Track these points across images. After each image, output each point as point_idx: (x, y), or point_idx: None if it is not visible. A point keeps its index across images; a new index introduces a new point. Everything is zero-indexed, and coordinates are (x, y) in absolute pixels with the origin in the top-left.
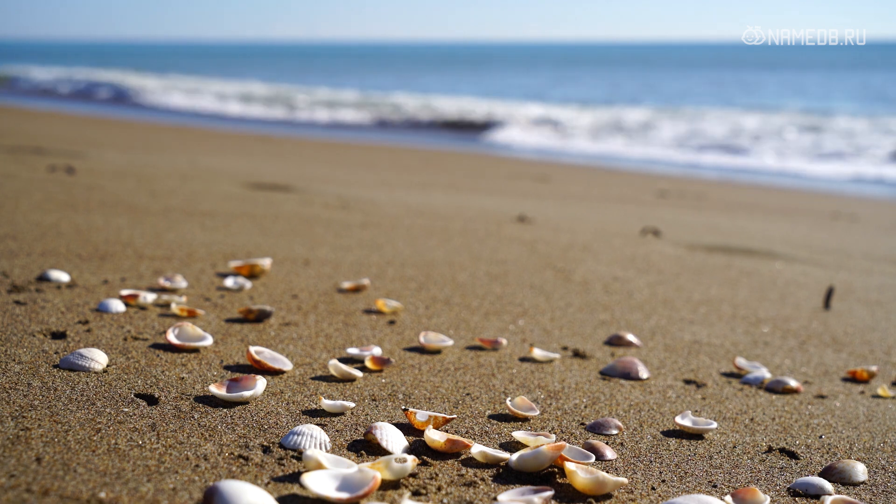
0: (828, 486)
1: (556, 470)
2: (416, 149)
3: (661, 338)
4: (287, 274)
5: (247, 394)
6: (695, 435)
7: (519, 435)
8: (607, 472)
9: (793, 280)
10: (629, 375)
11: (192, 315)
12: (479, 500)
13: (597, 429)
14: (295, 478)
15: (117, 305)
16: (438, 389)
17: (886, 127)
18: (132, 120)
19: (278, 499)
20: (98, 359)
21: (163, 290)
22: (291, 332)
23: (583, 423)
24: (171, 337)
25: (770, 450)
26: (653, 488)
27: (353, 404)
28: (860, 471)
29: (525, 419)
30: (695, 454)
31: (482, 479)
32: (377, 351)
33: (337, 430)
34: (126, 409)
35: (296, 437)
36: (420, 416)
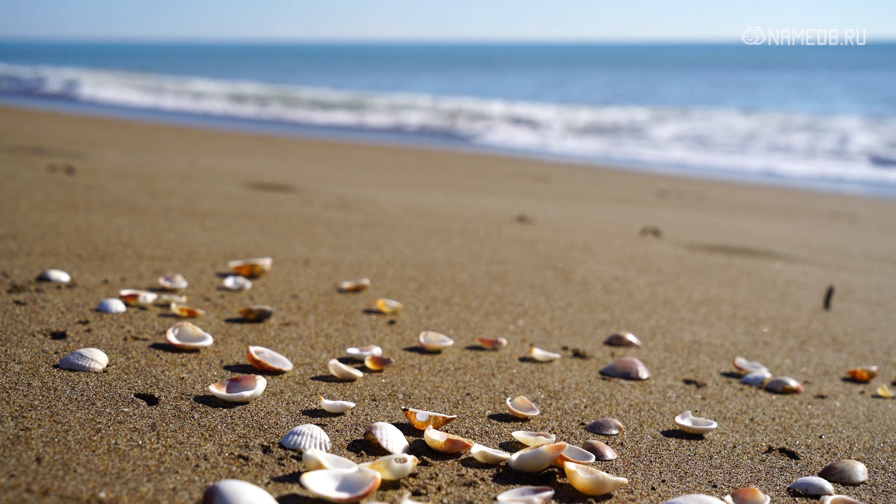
0: (828, 486)
1: (556, 470)
2: (417, 149)
3: (661, 338)
4: (287, 274)
5: (247, 394)
6: (695, 435)
7: (519, 435)
8: (607, 472)
9: (793, 280)
10: (629, 375)
11: (192, 315)
12: (479, 500)
13: (597, 429)
14: (295, 478)
15: (117, 305)
16: (438, 389)
17: (874, 127)
18: (132, 119)
19: (278, 499)
20: (98, 359)
21: (163, 290)
22: (291, 332)
23: (583, 423)
24: (171, 337)
25: (770, 450)
26: (653, 488)
27: (353, 404)
28: (860, 471)
29: (525, 419)
30: (695, 454)
31: (482, 479)
32: (377, 351)
33: (337, 430)
34: (126, 409)
35: (296, 437)
36: (420, 416)
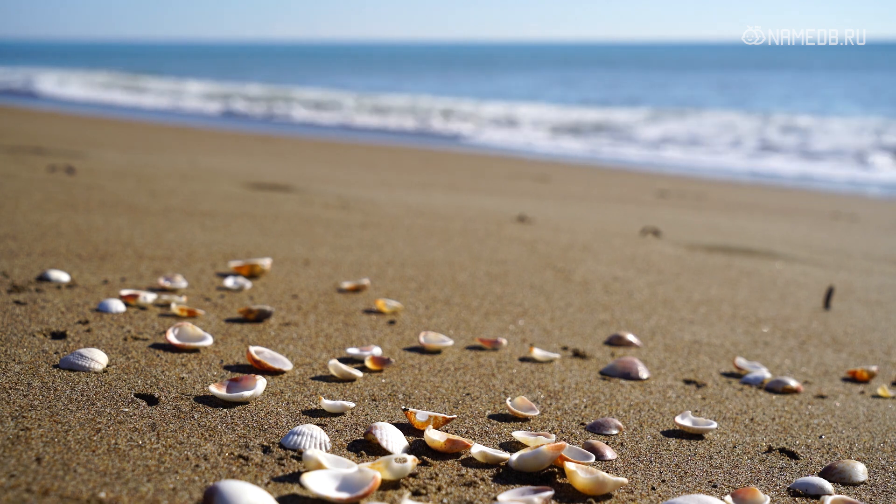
0: (828, 486)
1: (556, 470)
2: (417, 149)
3: (661, 338)
4: (287, 274)
5: (247, 394)
6: (695, 435)
7: (519, 435)
8: (607, 472)
9: (793, 280)
10: (629, 375)
11: (192, 315)
12: (479, 500)
13: (597, 429)
14: (295, 478)
15: (117, 305)
16: (438, 389)
17: (859, 128)
18: (132, 120)
19: (278, 499)
20: (98, 359)
21: (163, 290)
22: (291, 332)
23: (583, 423)
24: (171, 337)
25: (770, 450)
26: (653, 488)
27: (353, 404)
28: (860, 471)
29: (525, 419)
30: (695, 454)
31: (482, 479)
32: (377, 351)
33: (337, 430)
34: (126, 409)
35: (296, 437)
36: (420, 416)
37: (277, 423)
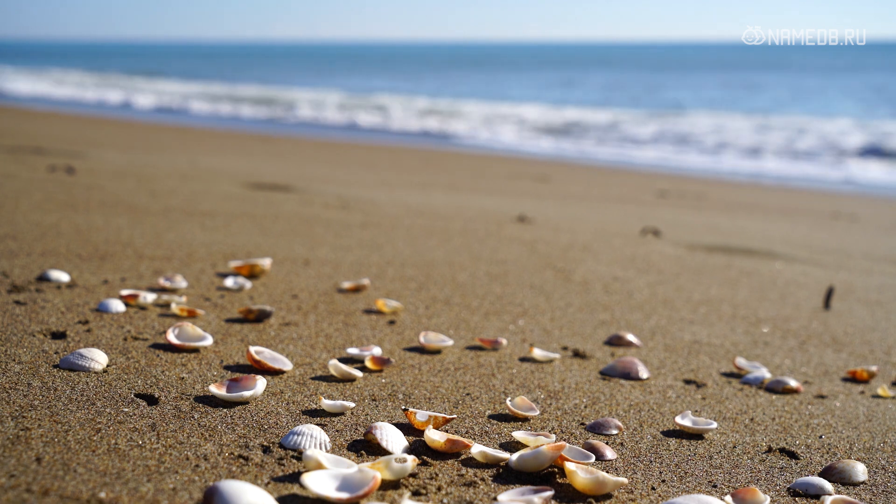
0: (828, 486)
1: (556, 470)
2: (417, 149)
3: (661, 338)
4: (287, 274)
5: (247, 394)
6: (695, 435)
7: (519, 435)
8: (607, 472)
9: (793, 280)
10: (629, 375)
11: (192, 315)
12: (479, 500)
13: (597, 429)
14: (295, 478)
15: (117, 305)
16: (438, 389)
17: (841, 129)
18: (131, 120)
19: (278, 499)
20: (98, 359)
21: (163, 290)
22: (291, 332)
23: (583, 423)
24: (171, 337)
25: (770, 450)
26: (653, 488)
27: (353, 404)
28: (860, 471)
29: (525, 419)
30: (695, 454)
31: (482, 479)
32: (377, 351)
33: (337, 430)
34: (126, 409)
35: (296, 437)
36: (420, 416)
37: (277, 423)
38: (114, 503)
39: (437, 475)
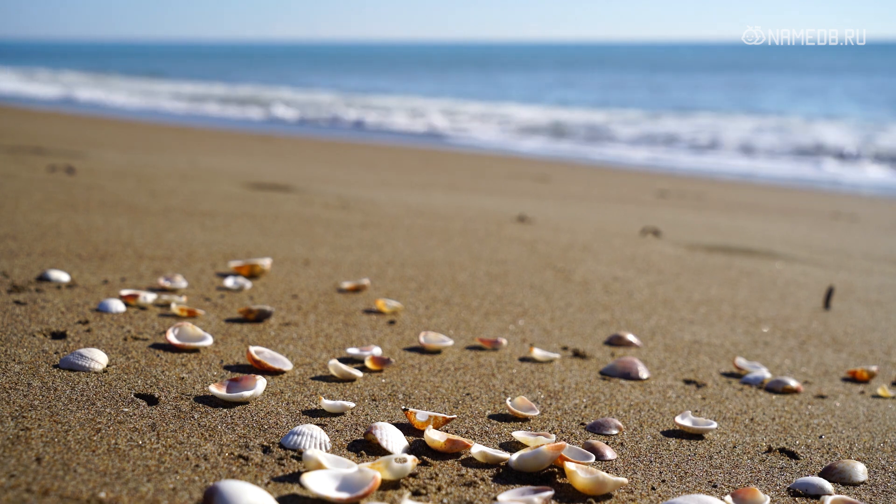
0: (828, 486)
1: (556, 470)
2: (417, 149)
3: (661, 338)
4: (287, 274)
5: (247, 394)
6: (695, 435)
7: (519, 435)
8: (607, 472)
9: (793, 280)
10: (629, 375)
11: (192, 315)
12: (479, 500)
13: (597, 429)
14: (295, 478)
15: (117, 305)
16: (438, 389)
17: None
18: (132, 120)
19: (278, 499)
20: (98, 359)
21: (163, 290)
22: (291, 332)
23: (583, 423)
24: (171, 337)
25: (770, 450)
26: (653, 488)
27: (353, 404)
28: (860, 471)
29: (525, 419)
30: (695, 454)
31: (482, 479)
32: (377, 351)
33: (337, 430)
34: (126, 409)
35: (296, 437)
36: (420, 416)
37: (277, 423)
38: (114, 503)
39: (437, 475)
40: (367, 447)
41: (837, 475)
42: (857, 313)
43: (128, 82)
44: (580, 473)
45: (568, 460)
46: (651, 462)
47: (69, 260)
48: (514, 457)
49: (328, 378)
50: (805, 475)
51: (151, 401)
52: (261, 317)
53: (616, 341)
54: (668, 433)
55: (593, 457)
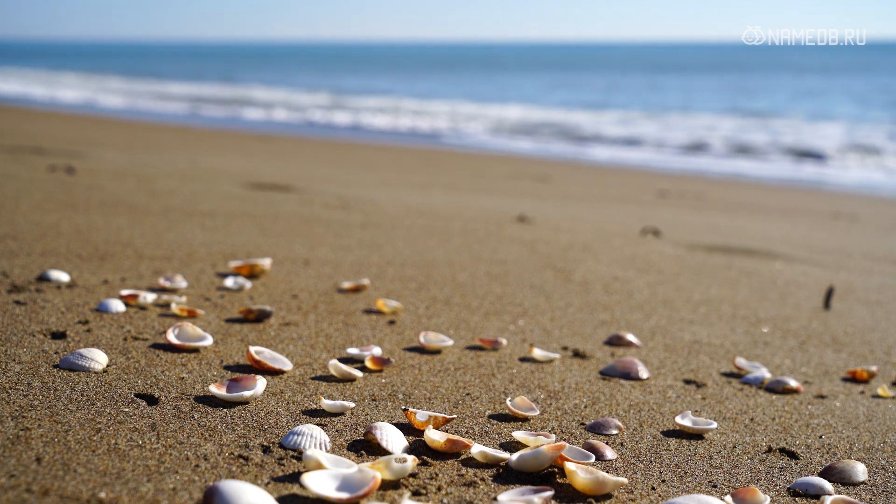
0: (828, 486)
1: (556, 470)
2: (417, 149)
3: (661, 338)
4: (287, 274)
5: (247, 394)
6: (695, 435)
7: (519, 435)
8: (607, 472)
9: (793, 280)
10: (629, 375)
11: (192, 315)
12: (479, 500)
13: (597, 429)
14: (295, 478)
15: (117, 305)
16: (438, 389)
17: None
18: (132, 120)
19: (278, 499)
20: (98, 359)
21: (163, 290)
22: (291, 332)
23: (583, 423)
24: (171, 337)
25: (770, 450)
26: (653, 488)
27: (353, 404)
28: (860, 471)
29: (525, 419)
30: (695, 454)
31: (482, 479)
32: (377, 351)
33: (337, 430)
34: (126, 409)
35: (296, 437)
36: (420, 416)
37: (277, 423)
38: (114, 503)
39: (437, 475)
40: (367, 447)
41: (837, 475)
42: (857, 313)
43: (117, 82)
44: (580, 473)
45: (568, 460)
46: (651, 462)
47: (69, 260)
48: (514, 457)
49: (328, 378)
50: (805, 475)
51: (151, 401)
52: (261, 317)
53: (616, 341)
54: (668, 433)
55: (593, 457)
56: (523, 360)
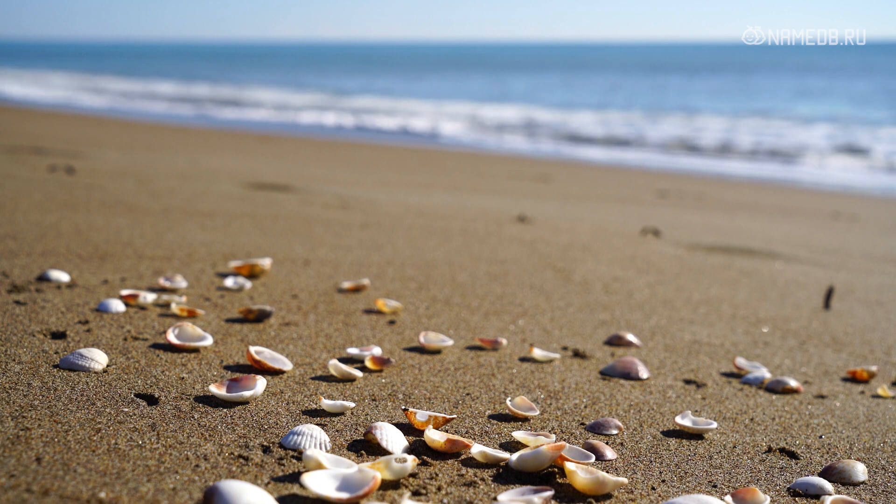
0: (828, 486)
1: (556, 470)
2: (417, 148)
3: (661, 338)
4: (287, 274)
5: (247, 394)
6: (695, 435)
7: (519, 435)
8: (607, 472)
9: (793, 280)
10: (629, 375)
11: (192, 315)
12: (479, 500)
13: (597, 429)
14: (295, 478)
15: (117, 305)
16: (438, 389)
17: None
18: (132, 120)
19: (278, 499)
20: (98, 359)
21: (163, 290)
22: (291, 332)
23: (583, 423)
24: (171, 337)
25: (770, 450)
26: (653, 488)
27: (353, 404)
28: (860, 471)
29: (525, 419)
30: (695, 454)
31: (482, 479)
32: (377, 351)
33: (337, 430)
34: (126, 409)
35: (296, 437)
36: (420, 416)
37: (277, 423)
38: (114, 503)
39: (437, 475)
40: (367, 447)
41: (837, 475)
42: (857, 313)
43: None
44: (580, 473)
45: (568, 460)
46: (651, 462)
47: (69, 260)
48: (514, 457)
49: (328, 378)
50: (805, 475)
51: (151, 401)
52: (261, 317)
53: (616, 341)
54: (668, 433)
55: (593, 457)
56: (523, 360)
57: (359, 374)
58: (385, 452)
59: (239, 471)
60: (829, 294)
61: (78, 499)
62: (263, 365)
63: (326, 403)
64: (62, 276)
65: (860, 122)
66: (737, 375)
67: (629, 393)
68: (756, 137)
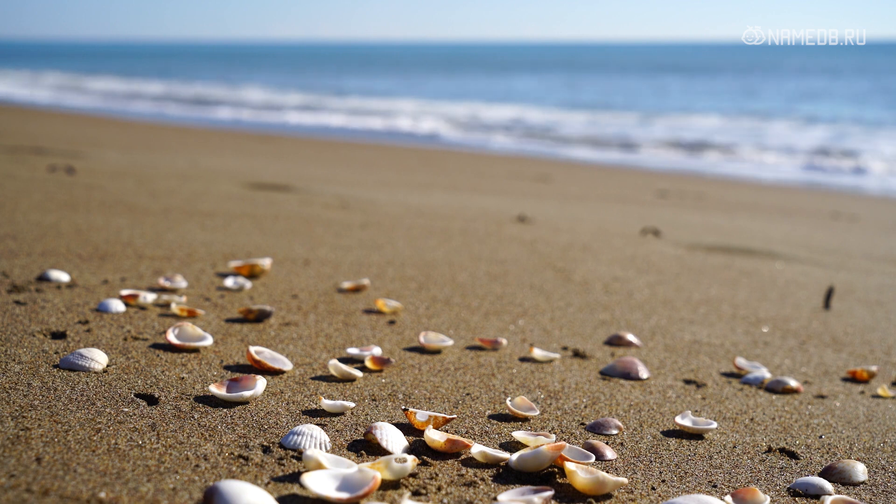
0: (828, 486)
1: (556, 470)
2: (417, 148)
3: (661, 338)
4: (287, 274)
5: (247, 394)
6: (695, 435)
7: (519, 435)
8: (607, 472)
9: (793, 280)
10: (629, 375)
11: (192, 315)
12: (479, 500)
13: (597, 429)
14: (295, 478)
15: (117, 305)
16: (438, 389)
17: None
18: (132, 120)
19: (278, 499)
20: (98, 359)
21: (163, 290)
22: (291, 332)
23: (583, 423)
24: (171, 337)
25: (770, 450)
26: (653, 488)
27: (353, 404)
28: (860, 471)
29: (525, 419)
30: (695, 454)
31: (482, 479)
32: (377, 351)
33: (337, 430)
34: (126, 409)
35: (296, 437)
36: (420, 416)
37: (277, 423)
38: (114, 503)
39: (437, 475)
40: (367, 447)
41: (837, 475)
42: (857, 313)
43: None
44: (580, 473)
45: (568, 460)
46: (651, 462)
47: (69, 260)
48: (514, 457)
49: (328, 378)
50: (805, 475)
51: (151, 401)
52: (261, 317)
53: (616, 341)
54: (668, 433)
55: (593, 457)
56: (523, 360)
57: (359, 374)
58: (385, 452)
59: (239, 471)
60: (829, 294)
61: (78, 499)
62: (263, 365)
63: (326, 403)
64: (62, 276)
65: (860, 122)
66: (737, 375)
67: (629, 393)
68: (756, 138)
